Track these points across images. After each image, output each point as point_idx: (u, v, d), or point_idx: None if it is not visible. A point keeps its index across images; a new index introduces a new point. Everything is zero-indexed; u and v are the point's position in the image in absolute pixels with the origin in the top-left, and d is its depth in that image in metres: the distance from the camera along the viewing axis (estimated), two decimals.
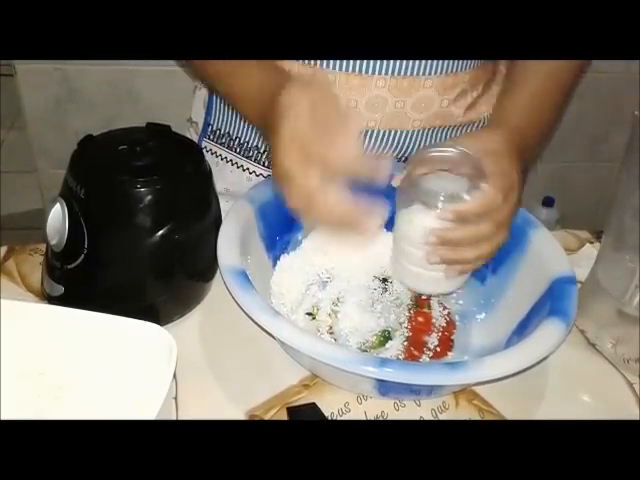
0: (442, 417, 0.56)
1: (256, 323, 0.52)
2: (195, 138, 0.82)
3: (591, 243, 0.77)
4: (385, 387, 0.53)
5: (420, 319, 0.62)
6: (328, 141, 0.51)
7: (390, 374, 0.48)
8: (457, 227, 0.54)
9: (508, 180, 0.56)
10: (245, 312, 0.52)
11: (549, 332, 0.52)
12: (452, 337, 0.62)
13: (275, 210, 0.63)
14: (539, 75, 0.66)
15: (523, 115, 0.63)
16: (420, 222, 0.56)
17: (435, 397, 0.57)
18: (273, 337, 0.55)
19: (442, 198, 0.54)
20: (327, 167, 0.51)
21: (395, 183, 0.58)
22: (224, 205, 0.65)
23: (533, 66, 0.66)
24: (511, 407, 0.57)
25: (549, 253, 0.60)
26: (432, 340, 0.61)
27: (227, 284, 0.54)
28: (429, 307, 0.64)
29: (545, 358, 0.53)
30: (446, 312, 0.64)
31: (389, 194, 0.58)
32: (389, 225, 0.70)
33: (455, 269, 0.57)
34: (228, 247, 0.58)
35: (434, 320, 0.63)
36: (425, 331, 0.62)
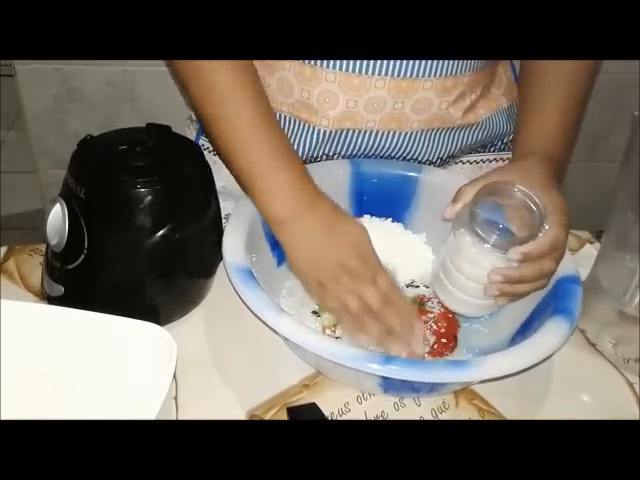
0: (442, 417, 0.56)
1: (262, 320, 0.52)
2: (194, 136, 0.82)
3: (591, 243, 0.77)
4: (388, 384, 0.53)
5: (424, 318, 0.63)
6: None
7: (394, 371, 0.48)
8: (522, 266, 0.55)
9: (566, 216, 0.57)
10: (250, 310, 0.53)
11: (553, 331, 0.52)
12: (456, 335, 0.62)
13: None
14: (560, 97, 0.66)
15: (554, 141, 0.65)
16: (481, 258, 0.56)
17: (437, 394, 0.57)
18: (277, 333, 0.55)
19: (497, 233, 0.55)
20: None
21: (448, 215, 0.60)
22: (222, 203, 0.65)
23: (552, 88, 0.67)
24: (511, 407, 0.57)
25: None
26: (438, 339, 0.61)
27: (232, 282, 0.54)
28: (432, 305, 0.64)
29: (549, 357, 0.53)
30: (449, 310, 0.64)
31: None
32: (394, 217, 0.70)
33: (506, 299, 0.58)
34: (233, 245, 0.58)
35: (437, 319, 0.63)
36: (429, 330, 0.62)
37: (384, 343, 0.56)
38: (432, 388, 0.55)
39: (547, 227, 0.55)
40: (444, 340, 0.61)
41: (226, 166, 0.65)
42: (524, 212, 0.57)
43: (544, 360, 0.52)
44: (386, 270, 0.59)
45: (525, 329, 0.58)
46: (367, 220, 0.69)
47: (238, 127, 0.59)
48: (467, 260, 0.57)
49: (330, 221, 0.59)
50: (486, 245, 0.56)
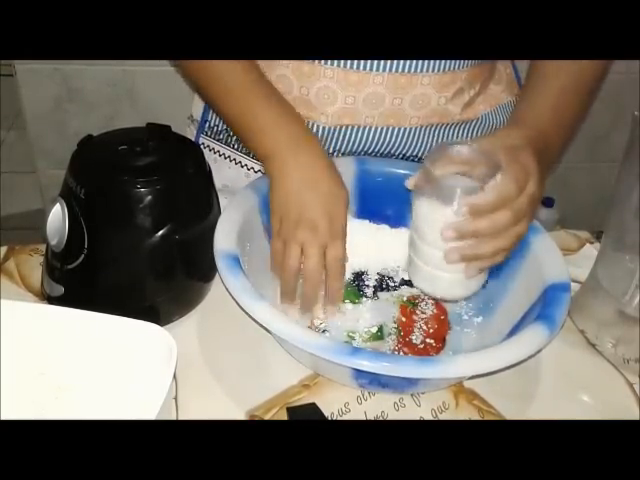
0: (442, 417, 0.56)
1: (240, 306, 0.52)
2: (194, 136, 0.82)
3: (591, 243, 0.77)
4: (362, 377, 0.53)
5: (414, 317, 0.63)
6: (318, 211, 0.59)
7: (362, 364, 0.48)
8: (474, 219, 0.53)
9: (523, 169, 0.55)
10: (230, 294, 0.53)
11: (530, 336, 0.51)
12: (445, 337, 0.62)
13: None
14: (561, 77, 0.65)
15: (545, 117, 0.63)
16: (438, 219, 0.54)
17: (411, 391, 0.57)
18: (255, 321, 0.55)
19: (459, 193, 0.53)
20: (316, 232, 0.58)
21: (410, 185, 0.57)
22: (223, 202, 0.65)
23: (554, 67, 0.66)
24: (511, 407, 0.57)
25: (547, 259, 0.60)
26: (425, 339, 0.61)
27: (217, 266, 0.55)
28: (425, 306, 0.64)
29: (522, 362, 0.52)
30: (442, 312, 0.64)
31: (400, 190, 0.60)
32: (393, 222, 0.70)
33: (474, 267, 0.56)
34: (224, 232, 0.58)
35: (429, 320, 0.63)
36: (418, 330, 0.62)
37: (288, 302, 0.61)
38: (407, 385, 0.55)
39: (498, 179, 0.53)
40: (431, 341, 0.61)
41: (225, 122, 0.73)
42: (482, 169, 0.55)
43: (516, 365, 0.51)
44: (343, 243, 0.60)
45: (511, 335, 0.56)
46: (362, 224, 0.69)
47: (234, 88, 0.64)
48: (425, 223, 0.55)
49: (315, 172, 0.61)
50: (436, 201, 0.54)
